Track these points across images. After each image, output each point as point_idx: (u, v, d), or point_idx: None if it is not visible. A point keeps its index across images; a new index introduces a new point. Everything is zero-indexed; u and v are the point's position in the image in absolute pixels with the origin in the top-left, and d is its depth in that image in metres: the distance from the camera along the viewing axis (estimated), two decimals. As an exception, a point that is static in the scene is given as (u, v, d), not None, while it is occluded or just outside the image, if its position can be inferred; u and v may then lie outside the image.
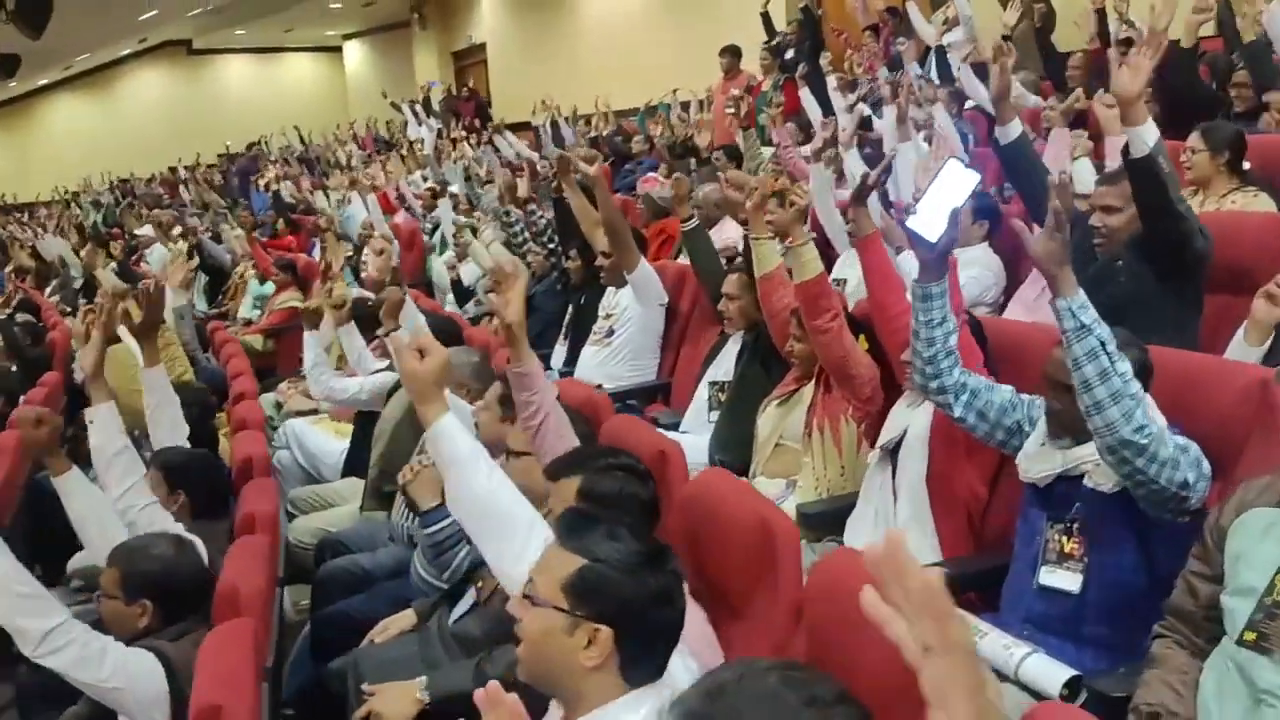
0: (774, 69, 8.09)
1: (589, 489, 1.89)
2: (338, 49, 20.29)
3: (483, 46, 15.03)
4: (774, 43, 8.43)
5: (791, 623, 1.84)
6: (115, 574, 2.18)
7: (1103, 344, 1.79)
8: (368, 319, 4.10)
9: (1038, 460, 2.09)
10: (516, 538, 1.71)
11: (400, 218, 8.55)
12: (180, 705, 2.07)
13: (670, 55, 10.97)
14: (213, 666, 1.78)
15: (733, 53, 8.67)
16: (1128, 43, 6.29)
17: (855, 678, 1.27)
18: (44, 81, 18.58)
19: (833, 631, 1.64)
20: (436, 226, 7.81)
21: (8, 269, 9.08)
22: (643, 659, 1.42)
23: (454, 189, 8.49)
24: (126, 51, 18.63)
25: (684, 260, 4.72)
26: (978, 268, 3.68)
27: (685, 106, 9.21)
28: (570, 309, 4.81)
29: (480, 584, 2.35)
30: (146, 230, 11.06)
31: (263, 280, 7.76)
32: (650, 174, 8.51)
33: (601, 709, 1.39)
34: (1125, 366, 1.81)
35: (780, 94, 7.95)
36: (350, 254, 6.70)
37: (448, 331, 3.85)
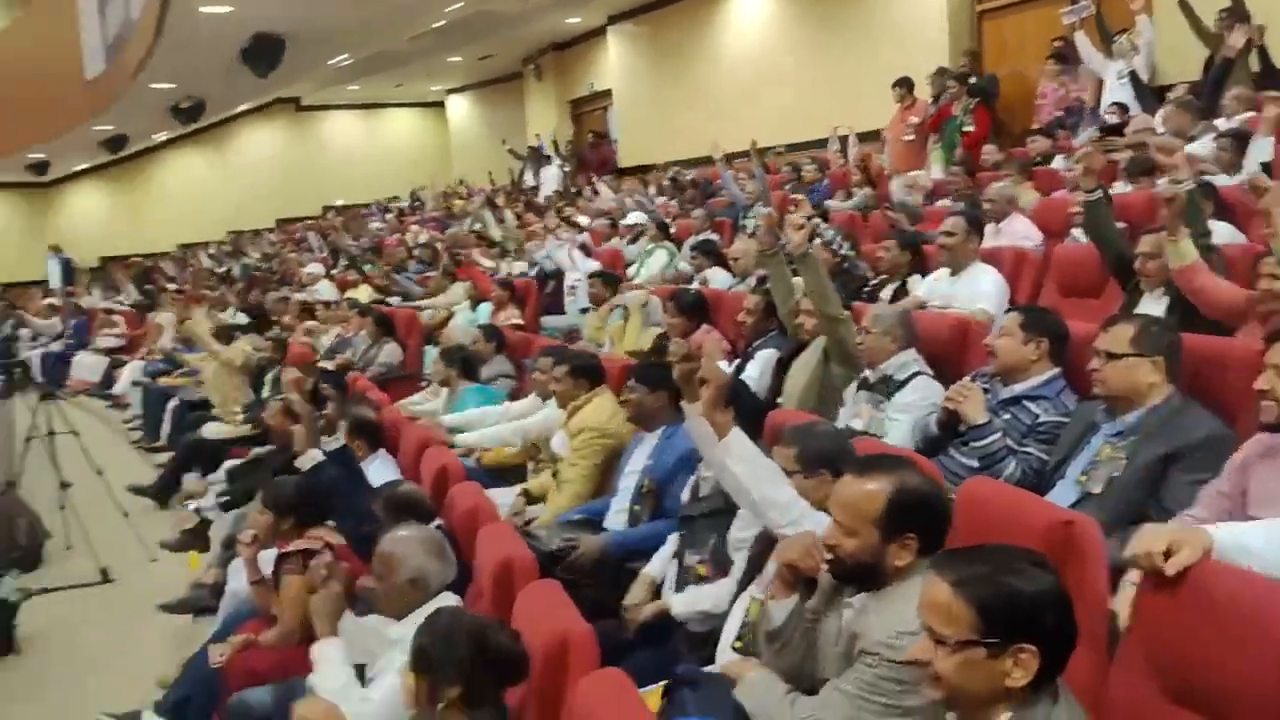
0: (961, 95, 8.41)
1: None
2: (440, 104, 20.97)
3: (604, 94, 15.41)
4: (956, 71, 8.78)
5: None
6: (791, 452, 2.44)
7: None
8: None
9: None
10: None
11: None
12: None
13: (810, 92, 11.35)
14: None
15: (905, 84, 9.03)
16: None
17: None
18: (162, 138, 19.24)
19: None
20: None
21: None
22: None
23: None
24: (242, 108, 19.29)
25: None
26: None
27: (844, 140, 9.52)
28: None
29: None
30: (314, 268, 11.62)
31: (475, 305, 8.10)
32: (829, 200, 8.85)
33: None
34: None
35: (972, 118, 8.29)
36: None
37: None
